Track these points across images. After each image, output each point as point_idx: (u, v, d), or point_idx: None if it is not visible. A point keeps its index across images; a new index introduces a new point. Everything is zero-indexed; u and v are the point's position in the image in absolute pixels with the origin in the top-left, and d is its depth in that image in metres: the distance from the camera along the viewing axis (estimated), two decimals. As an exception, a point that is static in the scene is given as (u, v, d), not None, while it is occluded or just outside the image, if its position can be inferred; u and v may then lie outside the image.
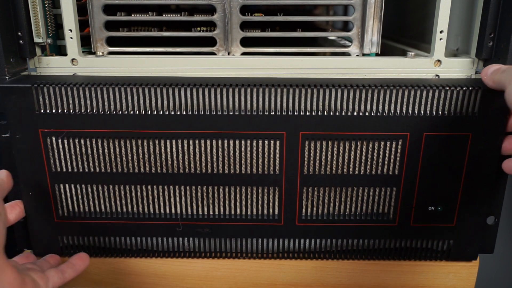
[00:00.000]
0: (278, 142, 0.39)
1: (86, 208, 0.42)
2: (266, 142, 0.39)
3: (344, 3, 0.44)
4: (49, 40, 0.43)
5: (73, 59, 0.43)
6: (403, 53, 0.45)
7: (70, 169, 0.40)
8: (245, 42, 0.44)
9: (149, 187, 0.41)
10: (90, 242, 0.44)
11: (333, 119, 0.38)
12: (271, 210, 0.42)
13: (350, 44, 0.45)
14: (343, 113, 0.38)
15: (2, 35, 0.39)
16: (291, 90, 0.37)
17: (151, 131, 0.39)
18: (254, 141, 0.39)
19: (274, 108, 0.38)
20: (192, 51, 0.44)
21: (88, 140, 0.39)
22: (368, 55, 0.44)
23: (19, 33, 0.41)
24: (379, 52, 0.44)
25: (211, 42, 0.44)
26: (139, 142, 0.39)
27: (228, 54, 0.44)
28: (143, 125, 0.38)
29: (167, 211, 0.42)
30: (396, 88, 0.37)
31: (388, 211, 0.41)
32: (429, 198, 0.41)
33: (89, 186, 0.41)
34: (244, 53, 0.44)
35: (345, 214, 0.42)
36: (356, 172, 0.40)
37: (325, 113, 0.38)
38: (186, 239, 0.43)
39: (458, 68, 0.43)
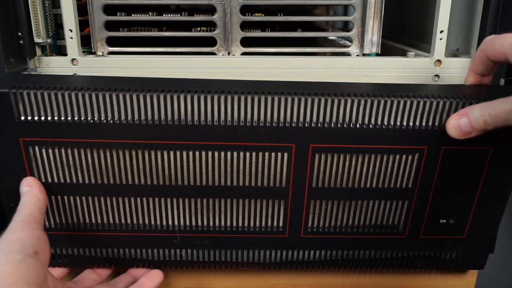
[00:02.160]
0: (286, 155, 0.36)
1: (75, 220, 0.39)
2: (273, 154, 0.36)
3: (344, 3, 0.44)
4: (49, 40, 0.43)
5: (73, 59, 0.43)
6: (403, 53, 0.45)
7: (56, 180, 0.37)
8: (245, 42, 0.44)
9: (144, 199, 0.38)
10: (80, 252, 0.41)
11: (347, 131, 0.35)
12: (275, 222, 0.39)
13: (350, 44, 0.45)
14: (358, 126, 0.35)
15: (2, 35, 0.39)
16: (302, 100, 0.34)
17: (147, 142, 0.35)
18: (260, 154, 0.36)
19: (283, 119, 0.34)
20: (192, 51, 0.44)
21: (75, 151, 0.35)
22: (368, 55, 0.44)
23: (19, 33, 0.41)
24: (379, 52, 0.44)
25: (211, 42, 0.44)
26: (133, 153, 0.36)
27: (228, 54, 0.44)
28: (138, 136, 0.35)
29: (164, 223, 0.39)
30: (417, 99, 0.34)
31: (398, 223, 0.40)
32: (442, 211, 0.39)
33: (77, 198, 0.38)
34: (244, 53, 0.44)
35: (353, 226, 0.40)
36: (368, 185, 0.38)
37: (339, 125, 0.35)
38: (184, 250, 0.41)
39: (458, 68, 0.43)
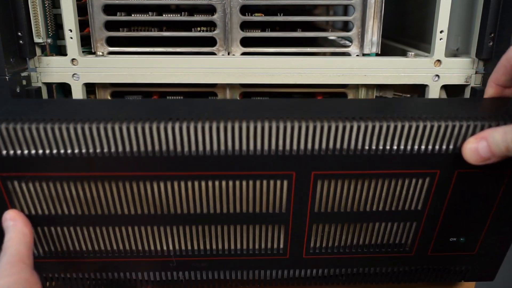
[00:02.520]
0: (286, 182, 0.33)
1: (65, 248, 0.36)
2: (272, 182, 0.33)
3: (344, 3, 0.44)
4: (49, 40, 0.43)
5: (73, 59, 0.43)
6: (403, 53, 0.45)
7: (41, 212, 0.34)
8: (245, 42, 0.44)
9: (136, 228, 0.35)
10: (73, 275, 0.39)
11: (351, 158, 0.32)
12: (275, 245, 0.37)
13: (350, 44, 0.45)
14: (364, 152, 0.32)
15: (2, 35, 0.39)
16: (303, 127, 0.30)
17: (136, 174, 0.32)
18: (258, 182, 0.33)
19: (282, 146, 0.31)
20: (192, 51, 0.44)
21: (57, 184, 0.32)
22: (368, 55, 0.44)
23: (19, 33, 0.41)
24: (379, 52, 0.44)
25: (211, 42, 0.44)
26: (120, 184, 0.32)
27: (228, 54, 0.44)
28: (126, 168, 0.31)
29: (158, 248, 0.37)
30: (430, 122, 0.31)
31: (405, 242, 0.38)
32: (452, 231, 0.37)
33: (65, 228, 0.35)
34: (244, 53, 0.44)
35: (358, 245, 0.38)
36: (374, 209, 0.35)
37: (343, 152, 0.31)
38: (181, 272, 0.39)
39: (458, 68, 0.43)
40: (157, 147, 0.30)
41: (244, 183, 0.33)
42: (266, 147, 0.31)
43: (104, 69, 0.43)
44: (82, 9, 0.43)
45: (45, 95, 0.44)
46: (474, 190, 0.34)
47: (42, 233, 0.35)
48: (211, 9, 0.43)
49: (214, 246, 0.37)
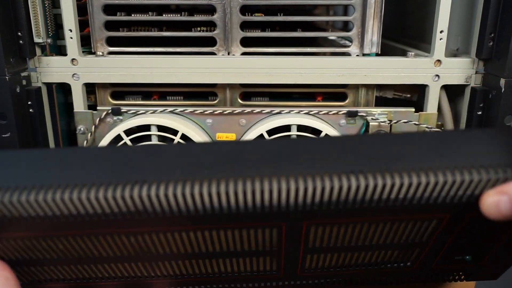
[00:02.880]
0: (275, 230, 0.30)
1: (55, 277, 0.35)
2: (260, 231, 0.30)
3: (344, 3, 0.44)
4: (49, 40, 0.43)
5: (73, 59, 0.43)
6: (403, 53, 0.45)
7: (14, 259, 0.32)
8: (245, 42, 0.44)
9: (119, 264, 0.34)
10: None
11: (348, 210, 0.28)
12: (268, 268, 0.36)
13: (350, 44, 0.45)
14: (364, 204, 0.27)
15: (2, 35, 0.39)
16: (292, 188, 0.26)
17: (112, 231, 0.29)
18: (244, 231, 0.30)
19: (269, 204, 0.27)
20: (192, 51, 0.44)
21: (36, 242, 0.30)
22: (368, 55, 0.44)
23: (19, 33, 0.41)
24: (379, 52, 0.44)
25: (211, 42, 0.44)
26: (95, 240, 0.30)
27: (228, 54, 0.44)
28: (101, 227, 0.29)
29: (146, 275, 0.36)
30: (442, 178, 0.27)
31: (406, 260, 0.36)
32: (458, 252, 0.35)
33: (46, 267, 0.33)
34: (244, 53, 0.44)
35: (357, 264, 0.36)
36: (374, 242, 0.32)
37: (340, 206, 0.27)
38: None
39: (458, 68, 0.43)
40: (124, 210, 0.27)
41: (229, 232, 0.30)
42: (249, 205, 0.27)
43: (104, 69, 0.43)
44: (82, 9, 0.43)
45: (45, 95, 0.44)
46: (484, 227, 0.31)
47: (23, 271, 0.33)
48: (211, 9, 0.43)
49: (203, 271, 0.36)
